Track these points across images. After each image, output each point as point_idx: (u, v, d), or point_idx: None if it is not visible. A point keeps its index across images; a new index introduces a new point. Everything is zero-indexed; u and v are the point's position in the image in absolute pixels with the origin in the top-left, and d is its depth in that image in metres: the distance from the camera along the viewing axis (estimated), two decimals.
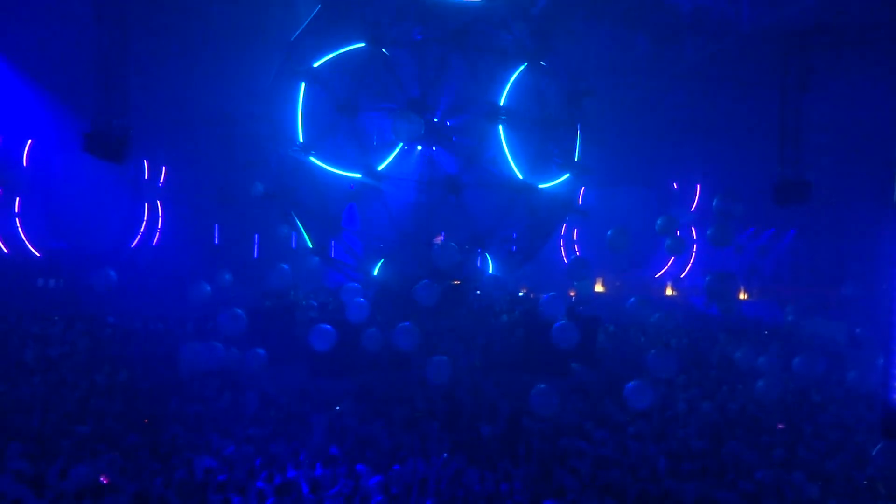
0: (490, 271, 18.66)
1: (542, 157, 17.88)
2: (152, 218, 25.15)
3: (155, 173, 25.17)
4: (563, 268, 27.63)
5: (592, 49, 19.00)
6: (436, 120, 17.50)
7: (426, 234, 17.33)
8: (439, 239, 17.06)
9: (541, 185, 17.74)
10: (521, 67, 17.57)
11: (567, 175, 18.21)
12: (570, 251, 28.83)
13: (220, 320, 13.31)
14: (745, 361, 14.71)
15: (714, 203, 15.68)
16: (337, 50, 17.11)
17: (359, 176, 16.71)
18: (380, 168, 16.87)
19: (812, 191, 17.73)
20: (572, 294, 20.48)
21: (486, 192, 17.83)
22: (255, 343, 15.22)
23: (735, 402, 13.70)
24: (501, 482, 9.38)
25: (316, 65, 17.00)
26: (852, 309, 21.32)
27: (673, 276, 28.90)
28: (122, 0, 13.65)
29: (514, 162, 17.58)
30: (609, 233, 15.44)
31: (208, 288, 14.88)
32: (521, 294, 22.09)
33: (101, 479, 8.66)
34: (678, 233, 20.05)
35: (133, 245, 24.83)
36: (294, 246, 20.85)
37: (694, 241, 28.77)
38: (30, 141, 23.03)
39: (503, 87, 17.50)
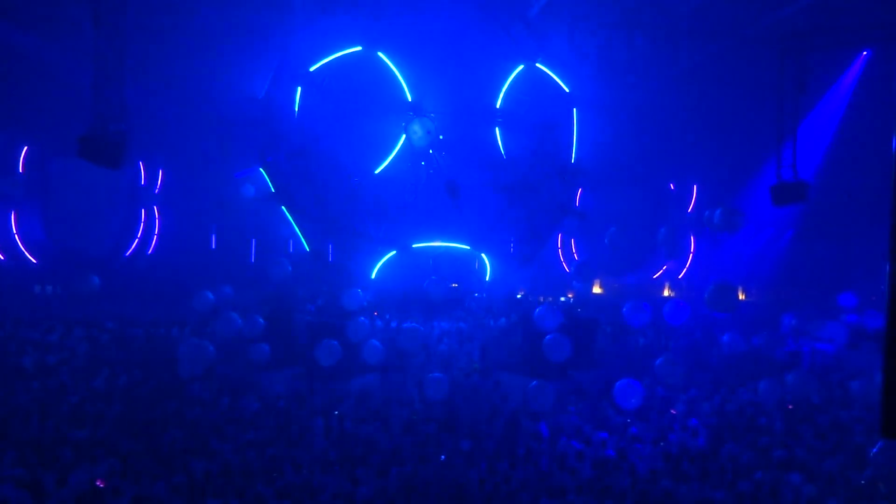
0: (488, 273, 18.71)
1: (540, 158, 17.93)
2: (149, 223, 25.08)
3: (152, 178, 25.10)
4: (567, 270, 27.81)
5: (589, 50, 19.01)
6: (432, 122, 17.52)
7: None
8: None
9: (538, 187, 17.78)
10: (519, 69, 17.64)
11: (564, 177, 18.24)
12: (567, 253, 28.80)
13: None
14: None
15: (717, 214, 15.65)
16: (333, 54, 17.15)
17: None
18: (377, 171, 16.87)
19: (809, 191, 17.73)
20: (570, 296, 20.47)
21: (485, 194, 17.87)
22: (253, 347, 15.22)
23: (734, 404, 13.69)
24: (501, 484, 9.36)
25: (312, 69, 17.04)
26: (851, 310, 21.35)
27: (671, 277, 28.88)
28: (119, 4, 13.60)
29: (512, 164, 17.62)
30: (608, 233, 15.45)
31: (211, 296, 14.88)
32: (518, 296, 22.07)
33: (98, 483, 8.62)
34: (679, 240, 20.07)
35: (130, 250, 24.75)
36: (291, 249, 20.83)
37: (691, 242, 28.80)
38: (25, 147, 22.96)
39: (500, 89, 17.57)
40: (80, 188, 23.12)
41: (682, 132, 24.11)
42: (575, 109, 18.43)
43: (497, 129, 17.75)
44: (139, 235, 24.96)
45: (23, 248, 22.90)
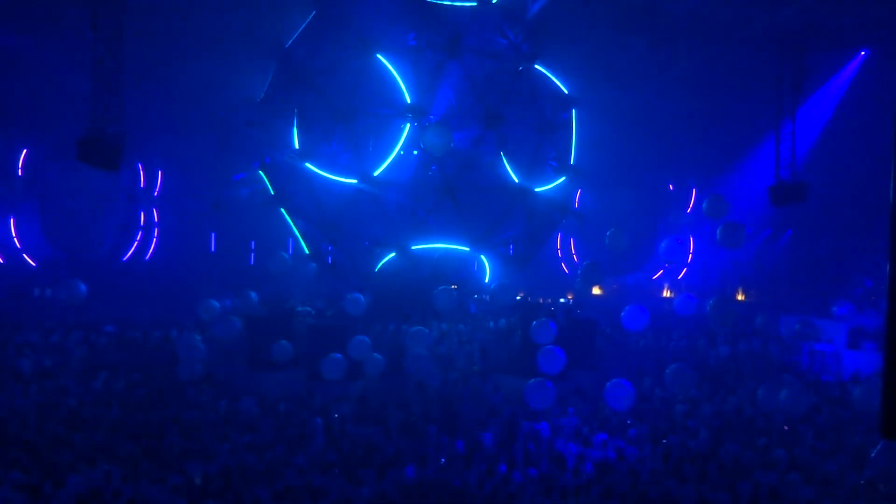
0: (487, 276, 18.68)
1: (539, 160, 17.93)
2: (148, 225, 25.10)
3: (150, 180, 25.13)
4: (566, 272, 27.85)
5: (588, 52, 19.03)
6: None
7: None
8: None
9: (537, 189, 17.78)
10: (517, 71, 17.65)
11: (563, 178, 18.24)
12: (566, 254, 28.84)
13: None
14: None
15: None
16: (332, 56, 17.14)
17: (354, 181, 16.72)
18: (376, 173, 16.86)
19: (808, 192, 17.77)
20: (570, 297, 20.48)
21: (483, 196, 17.87)
22: (251, 349, 15.25)
23: (734, 404, 13.68)
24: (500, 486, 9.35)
25: (311, 71, 17.03)
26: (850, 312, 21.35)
27: (670, 279, 28.91)
28: (117, 6, 13.61)
29: (511, 166, 17.63)
30: (608, 233, 15.44)
31: (217, 304, 14.92)
32: (518, 297, 22.04)
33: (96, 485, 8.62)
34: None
35: (129, 253, 24.77)
36: (290, 252, 20.83)
37: (690, 243, 28.85)
38: (24, 150, 22.99)
39: (499, 92, 17.58)
40: (78, 191, 23.16)
41: (681, 133, 24.14)
42: (574, 111, 18.42)
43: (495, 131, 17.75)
44: (138, 238, 24.99)
45: (22, 252, 22.91)
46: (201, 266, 22.59)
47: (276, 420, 12.16)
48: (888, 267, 3.49)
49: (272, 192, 17.59)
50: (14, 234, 22.84)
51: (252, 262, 25.30)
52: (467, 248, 17.73)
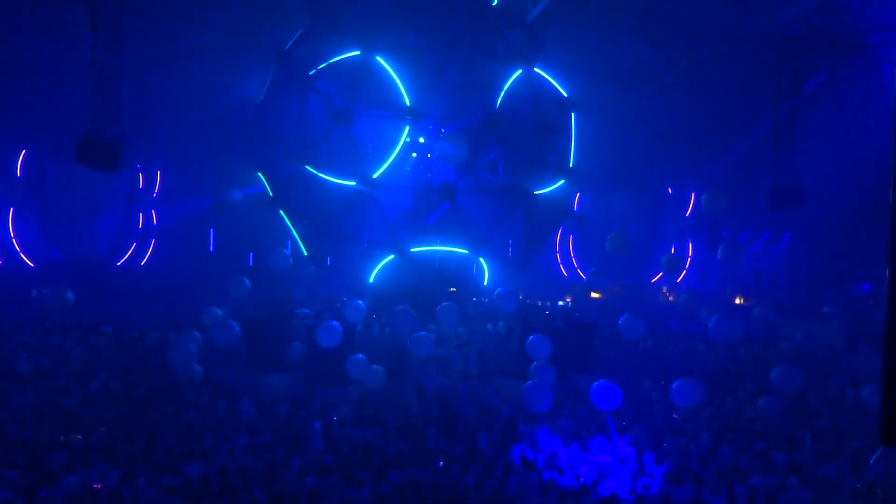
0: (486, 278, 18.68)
1: (538, 163, 17.92)
2: (147, 226, 25.07)
3: (149, 182, 25.11)
4: (565, 274, 27.85)
5: (587, 55, 19.04)
6: (430, 127, 17.54)
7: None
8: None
9: (536, 191, 17.78)
10: (517, 73, 17.64)
11: (562, 181, 18.23)
12: (565, 257, 28.83)
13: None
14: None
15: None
16: (332, 58, 17.14)
17: (353, 183, 16.71)
18: (375, 175, 16.86)
19: (807, 195, 17.78)
20: (569, 299, 20.47)
21: (482, 199, 17.86)
22: (250, 351, 15.24)
23: (733, 408, 13.68)
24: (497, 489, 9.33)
25: (311, 73, 17.03)
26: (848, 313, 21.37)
27: (669, 282, 28.92)
28: (116, 8, 13.61)
29: (510, 168, 17.64)
30: (609, 238, 15.45)
31: (220, 312, 14.94)
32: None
33: (95, 486, 8.60)
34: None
35: (128, 254, 24.74)
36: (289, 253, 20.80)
37: (689, 246, 28.93)
38: (24, 151, 22.97)
39: (498, 94, 17.58)
40: (77, 192, 23.14)
41: (680, 136, 24.16)
42: (573, 114, 18.43)
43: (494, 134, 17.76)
44: (137, 239, 24.96)
45: (20, 252, 22.88)
46: (200, 267, 22.55)
47: (275, 422, 12.15)
48: (887, 271, 3.48)
49: (271, 194, 17.59)
50: (12, 235, 22.81)
51: (251, 264, 25.25)
52: (466, 251, 17.73)
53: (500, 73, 17.52)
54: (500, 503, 9.05)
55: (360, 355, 13.66)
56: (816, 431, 12.40)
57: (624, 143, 23.05)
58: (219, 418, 12.21)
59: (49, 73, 19.32)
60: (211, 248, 25.16)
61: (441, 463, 10.37)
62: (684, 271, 28.80)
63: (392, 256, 17.50)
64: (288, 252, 17.17)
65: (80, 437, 10.77)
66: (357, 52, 16.79)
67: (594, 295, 25.10)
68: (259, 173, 17.74)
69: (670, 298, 28.16)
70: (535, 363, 13.28)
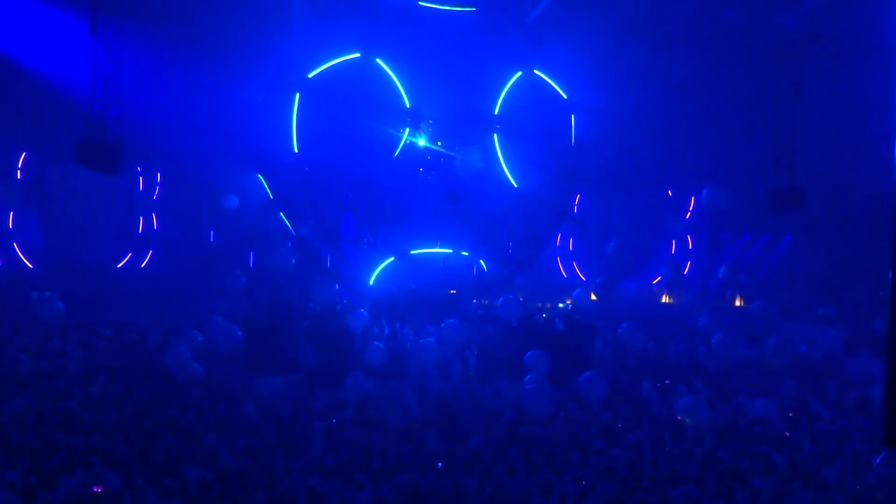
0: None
1: (538, 165, 17.96)
2: (147, 229, 25.06)
3: (150, 184, 25.10)
4: (565, 276, 27.84)
5: (586, 57, 19.05)
6: (430, 129, 17.57)
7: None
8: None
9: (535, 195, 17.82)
10: (517, 76, 17.70)
11: (562, 183, 18.27)
12: (565, 259, 28.81)
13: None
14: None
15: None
16: (332, 61, 17.19)
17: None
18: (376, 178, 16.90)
19: (806, 197, 17.79)
20: (569, 302, 20.45)
21: (484, 201, 17.90)
22: (250, 353, 15.23)
23: (731, 411, 13.66)
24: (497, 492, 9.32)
25: (311, 75, 17.07)
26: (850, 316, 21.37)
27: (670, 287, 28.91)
28: (117, 10, 13.64)
29: (510, 171, 17.66)
30: (611, 244, 15.48)
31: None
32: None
33: (95, 489, 8.59)
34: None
35: (128, 256, 24.73)
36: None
37: (690, 248, 28.97)
38: (24, 153, 22.98)
39: (499, 97, 17.63)
40: (78, 194, 23.14)
41: (681, 139, 24.15)
42: (573, 116, 18.47)
43: (496, 136, 17.80)
44: (137, 241, 24.94)
45: (20, 254, 22.88)
46: (200, 269, 22.54)
47: (275, 424, 12.13)
48: (890, 274, 3.48)
49: (271, 197, 17.62)
50: (13, 237, 22.81)
51: (251, 265, 25.26)
52: (466, 253, 17.75)
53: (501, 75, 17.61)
54: None
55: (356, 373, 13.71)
56: (816, 434, 12.38)
57: (624, 145, 23.06)
58: (218, 421, 12.18)
59: (49, 75, 19.32)
60: (211, 249, 25.12)
61: (440, 464, 10.35)
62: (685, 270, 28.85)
63: (392, 259, 17.55)
64: (289, 253, 17.17)
65: (80, 439, 10.74)
66: (357, 55, 16.85)
67: (594, 297, 25.10)
68: (259, 175, 17.77)
69: (667, 301, 28.19)
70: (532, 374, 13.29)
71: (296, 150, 17.12)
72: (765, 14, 17.57)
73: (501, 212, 18.13)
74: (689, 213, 29.02)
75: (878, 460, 10.09)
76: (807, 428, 12.71)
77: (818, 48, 18.07)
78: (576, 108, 18.38)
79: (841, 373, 17.90)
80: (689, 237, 28.98)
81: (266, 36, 17.57)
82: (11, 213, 22.80)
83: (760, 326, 18.97)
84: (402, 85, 17.03)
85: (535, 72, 17.90)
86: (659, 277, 28.40)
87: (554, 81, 18.34)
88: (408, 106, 16.82)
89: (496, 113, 17.72)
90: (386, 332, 16.63)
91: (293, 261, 16.61)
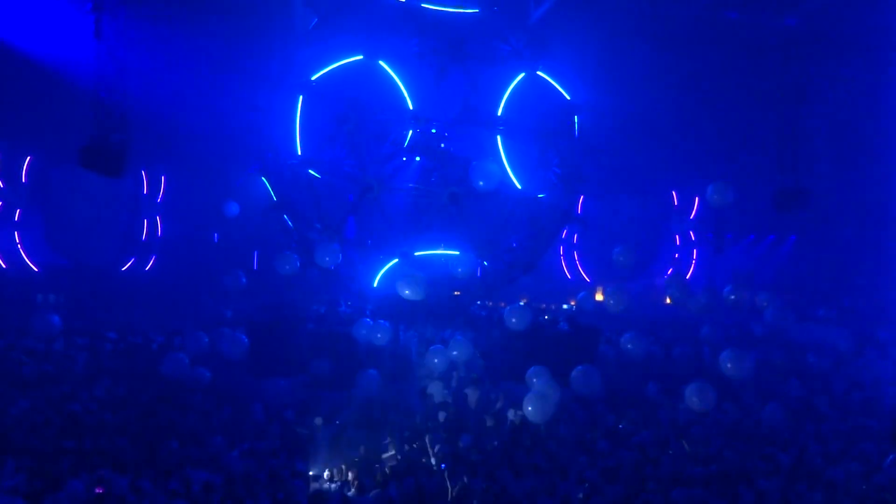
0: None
1: (542, 166, 17.93)
2: (152, 232, 25.10)
3: (154, 187, 25.15)
4: (569, 277, 27.84)
5: (590, 58, 19.03)
6: (434, 131, 17.55)
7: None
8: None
9: (540, 195, 17.78)
10: (519, 77, 17.68)
11: (566, 185, 18.23)
12: (570, 261, 28.80)
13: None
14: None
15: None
16: (334, 62, 17.18)
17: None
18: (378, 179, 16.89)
19: (811, 197, 17.76)
20: (573, 303, 20.43)
21: (486, 202, 17.85)
22: (255, 356, 15.22)
23: (736, 412, 13.62)
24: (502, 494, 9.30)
25: (314, 77, 17.07)
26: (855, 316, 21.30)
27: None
28: (120, 13, 13.67)
29: (514, 172, 17.65)
30: (616, 250, 15.42)
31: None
32: (521, 303, 21.99)
33: (97, 490, 8.60)
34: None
35: (132, 259, 24.78)
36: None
37: (694, 248, 28.96)
38: (28, 157, 23.06)
39: (501, 98, 17.62)
40: (82, 197, 23.20)
41: (685, 140, 24.13)
42: (576, 117, 18.44)
43: (499, 138, 17.78)
44: (141, 244, 24.98)
45: (25, 257, 22.94)
46: (204, 273, 22.57)
47: (280, 427, 12.13)
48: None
49: (274, 199, 17.60)
50: (17, 240, 22.87)
51: (256, 267, 25.27)
52: (467, 254, 17.70)
53: (504, 76, 17.59)
54: None
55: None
56: (823, 434, 12.33)
57: (628, 146, 23.03)
58: (223, 423, 12.18)
59: (53, 78, 19.37)
60: (216, 252, 25.15)
61: (443, 466, 10.33)
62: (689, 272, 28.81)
63: (396, 260, 17.51)
64: (294, 255, 17.15)
65: (85, 442, 10.75)
66: (360, 57, 16.85)
67: (598, 298, 25.07)
68: (263, 178, 17.76)
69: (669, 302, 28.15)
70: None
71: (299, 153, 17.08)
72: (768, 15, 17.55)
73: (505, 213, 18.09)
74: (693, 214, 29.00)
75: (887, 462, 10.05)
76: (813, 428, 12.65)
77: (822, 48, 18.05)
78: (579, 109, 18.35)
79: (847, 373, 17.82)
80: (692, 235, 28.95)
81: (270, 38, 17.59)
82: (16, 216, 22.87)
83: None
84: (404, 87, 17.04)
85: (539, 73, 17.87)
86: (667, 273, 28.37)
87: (557, 82, 18.30)
88: (411, 108, 16.81)
89: (499, 114, 17.67)
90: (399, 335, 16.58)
91: (298, 263, 16.58)
